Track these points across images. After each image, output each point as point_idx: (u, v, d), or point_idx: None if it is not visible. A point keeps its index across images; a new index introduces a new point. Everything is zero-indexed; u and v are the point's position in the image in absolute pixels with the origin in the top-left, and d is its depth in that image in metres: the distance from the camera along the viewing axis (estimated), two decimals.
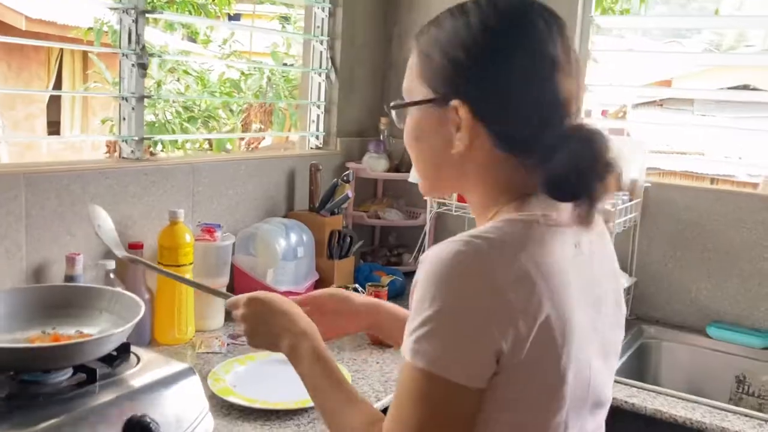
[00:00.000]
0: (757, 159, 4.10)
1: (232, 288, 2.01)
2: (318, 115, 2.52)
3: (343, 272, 2.24)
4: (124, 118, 1.87)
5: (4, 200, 1.56)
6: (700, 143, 6.31)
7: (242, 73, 6.76)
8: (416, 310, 0.83)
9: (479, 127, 0.89)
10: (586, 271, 0.92)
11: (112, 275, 1.68)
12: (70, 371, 1.24)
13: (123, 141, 1.88)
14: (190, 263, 1.80)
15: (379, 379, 1.67)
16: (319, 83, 2.50)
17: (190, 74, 5.67)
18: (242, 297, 1.14)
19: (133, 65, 1.84)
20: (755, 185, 5.50)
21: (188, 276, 1.74)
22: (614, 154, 0.86)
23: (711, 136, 6.51)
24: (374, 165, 2.49)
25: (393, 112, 1.01)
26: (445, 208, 2.28)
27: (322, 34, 2.46)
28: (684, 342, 2.16)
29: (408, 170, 2.52)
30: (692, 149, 6.25)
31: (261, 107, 6.08)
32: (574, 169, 0.84)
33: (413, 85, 0.95)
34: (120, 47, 1.84)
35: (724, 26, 5.97)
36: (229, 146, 6.38)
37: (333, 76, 2.49)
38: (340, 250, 2.23)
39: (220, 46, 6.22)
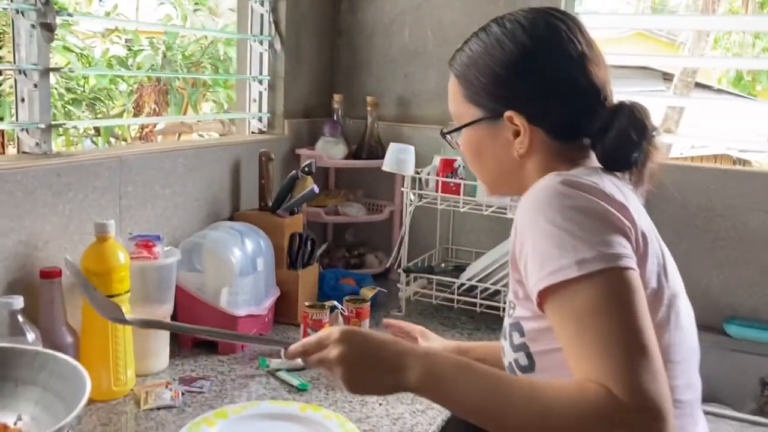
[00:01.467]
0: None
1: (175, 316, 1.56)
2: (260, 93, 2.08)
3: (308, 284, 1.84)
4: (22, 99, 1.38)
5: None
6: None
7: (129, 48, 6.08)
8: (547, 236, 0.84)
9: (535, 128, 1.00)
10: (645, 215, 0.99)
11: (20, 317, 1.21)
12: None
13: (22, 130, 1.39)
14: (126, 291, 1.35)
15: (392, 429, 1.30)
16: (261, 53, 2.06)
17: (72, 51, 4.97)
18: (331, 333, 0.92)
19: (33, 26, 1.35)
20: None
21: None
22: (653, 120, 0.98)
23: None
24: (332, 151, 2.09)
25: (448, 137, 1.12)
26: (426, 201, 1.92)
27: None
28: (700, 342, 1.92)
29: (370, 156, 2.14)
30: None
31: (155, 87, 5.46)
32: (625, 142, 0.97)
33: (461, 108, 1.07)
34: (12, 1, 1.35)
35: None
36: (117, 131, 5.73)
37: (278, 45, 2.06)
38: (303, 257, 1.83)
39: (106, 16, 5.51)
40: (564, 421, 0.77)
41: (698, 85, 9.05)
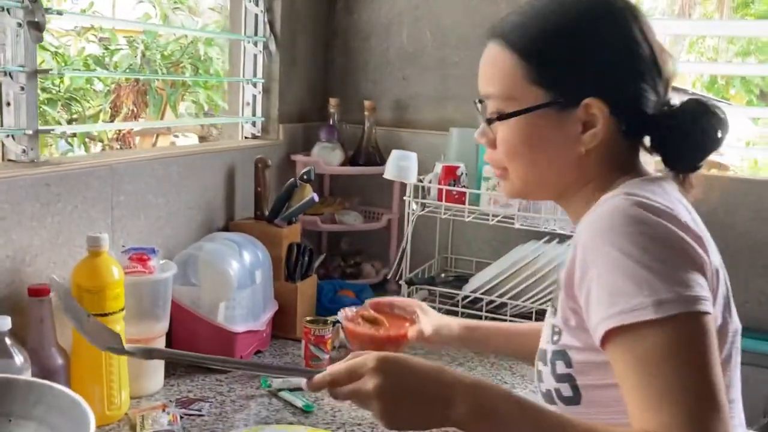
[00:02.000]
0: None
1: (170, 334, 1.47)
2: (254, 96, 2.00)
3: (306, 296, 1.76)
4: (8, 103, 1.29)
5: None
6: None
7: (105, 47, 5.94)
8: (620, 269, 0.75)
9: (612, 120, 0.87)
10: None
11: (7, 339, 1.12)
12: None
13: (8, 136, 1.30)
14: (121, 309, 1.27)
15: None
16: (255, 55, 1.98)
17: (47, 49, 4.82)
18: (366, 360, 0.81)
19: (20, 24, 1.26)
20: None
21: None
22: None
23: None
24: (329, 157, 2.01)
25: (492, 122, 0.93)
26: (428, 210, 1.85)
27: None
28: None
29: (367, 162, 2.07)
30: None
31: (133, 87, 5.32)
32: (701, 142, 0.88)
33: (516, 89, 0.89)
34: None
35: None
36: (94, 132, 5.58)
37: (273, 46, 1.97)
38: (302, 269, 1.75)
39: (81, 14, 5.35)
40: None
41: (673, 88, 9.13)
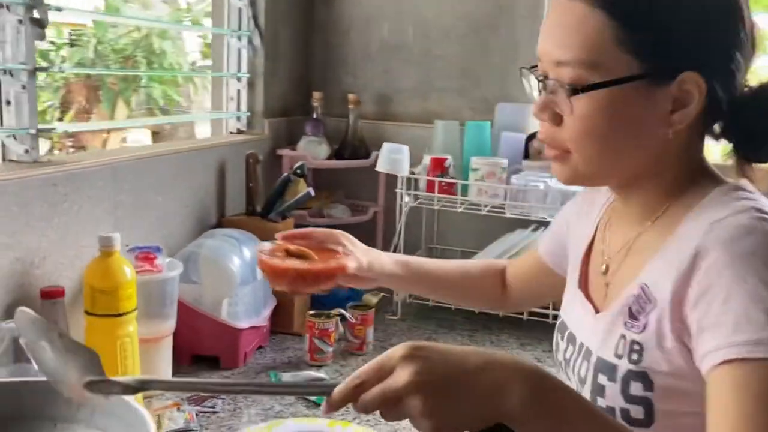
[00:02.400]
0: None
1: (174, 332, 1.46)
2: (238, 90, 1.98)
3: None
4: (8, 102, 1.25)
5: None
6: None
7: (51, 42, 5.77)
8: (755, 297, 0.66)
9: (704, 99, 0.75)
10: None
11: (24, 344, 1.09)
12: None
13: (9, 136, 1.26)
14: (134, 309, 1.25)
15: None
16: (239, 49, 1.96)
17: None
18: (394, 351, 0.65)
19: (20, 21, 1.23)
20: None
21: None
22: None
23: None
24: (315, 151, 2.01)
25: (577, 93, 0.76)
26: (420, 201, 1.87)
27: None
28: None
29: (353, 155, 2.08)
30: None
31: (85, 83, 5.19)
32: None
33: (603, 54, 0.74)
34: None
35: None
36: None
37: (257, 40, 1.96)
38: None
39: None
40: None
41: None
